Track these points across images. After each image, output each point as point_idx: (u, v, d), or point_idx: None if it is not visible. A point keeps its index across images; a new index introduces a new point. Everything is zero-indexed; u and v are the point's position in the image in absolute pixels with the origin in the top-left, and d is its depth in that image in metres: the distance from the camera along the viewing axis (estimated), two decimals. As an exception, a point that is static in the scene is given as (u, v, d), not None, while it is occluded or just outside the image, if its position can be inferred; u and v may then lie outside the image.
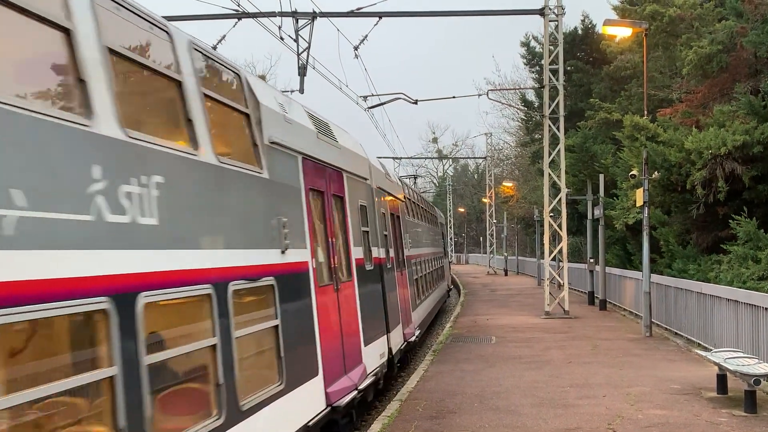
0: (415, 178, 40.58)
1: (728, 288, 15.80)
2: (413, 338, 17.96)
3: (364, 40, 22.29)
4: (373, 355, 12.54)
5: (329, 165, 10.82)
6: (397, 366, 15.90)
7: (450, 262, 49.95)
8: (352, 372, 10.91)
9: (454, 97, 29.54)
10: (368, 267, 13.00)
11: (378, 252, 14.22)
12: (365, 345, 11.91)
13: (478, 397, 12.24)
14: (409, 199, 22.75)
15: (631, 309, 24.45)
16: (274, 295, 7.90)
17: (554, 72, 24.50)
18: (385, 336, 14.01)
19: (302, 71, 20.27)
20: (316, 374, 9.21)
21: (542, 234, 28.32)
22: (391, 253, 15.97)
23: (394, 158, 29.25)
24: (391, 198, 17.21)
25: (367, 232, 13.24)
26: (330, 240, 10.27)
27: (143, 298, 5.26)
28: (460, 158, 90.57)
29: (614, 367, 14.90)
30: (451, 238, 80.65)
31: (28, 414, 4.26)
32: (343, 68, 43.33)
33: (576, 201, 31.00)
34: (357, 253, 12.04)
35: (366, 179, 13.73)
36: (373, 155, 16.21)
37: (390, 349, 14.41)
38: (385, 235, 15.34)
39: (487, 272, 61.40)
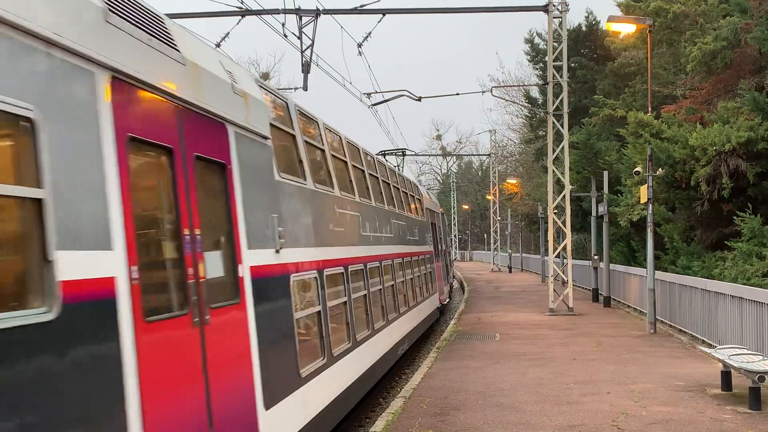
0: (404, 153, 30.38)
1: (733, 285, 15.78)
2: None
3: (367, 37, 22.30)
4: None
5: None
6: None
7: (453, 261, 46.92)
8: None
9: (457, 94, 29.70)
10: None
11: None
12: None
13: (482, 394, 12.25)
14: (313, 145, 11.18)
15: (635, 306, 24.43)
16: None
17: (558, 69, 24.47)
18: None
19: (306, 68, 20.34)
20: None
21: (546, 231, 28.31)
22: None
23: (397, 155, 28.91)
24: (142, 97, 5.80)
25: None
26: None
27: None
28: (464, 155, 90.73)
29: (618, 364, 14.89)
30: (455, 235, 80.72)
31: None
32: (346, 65, 43.52)
33: (580, 198, 30.98)
34: None
35: None
36: None
37: None
38: None
39: (491, 269, 61.45)
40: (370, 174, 15.45)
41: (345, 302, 11.68)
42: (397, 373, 17.52)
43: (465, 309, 27.80)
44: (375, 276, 14.43)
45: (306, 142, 10.62)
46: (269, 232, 8.19)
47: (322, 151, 11.68)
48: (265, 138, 8.38)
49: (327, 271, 10.54)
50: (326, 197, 11.22)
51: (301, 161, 10.14)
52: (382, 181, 17.01)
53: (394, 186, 18.78)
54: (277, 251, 8.37)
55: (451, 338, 19.47)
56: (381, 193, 16.42)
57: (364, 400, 12.67)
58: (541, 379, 13.48)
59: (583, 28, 39.54)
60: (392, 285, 16.35)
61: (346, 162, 13.29)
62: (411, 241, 20.42)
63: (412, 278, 19.58)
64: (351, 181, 13.32)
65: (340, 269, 11.50)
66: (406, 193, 21.29)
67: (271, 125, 8.77)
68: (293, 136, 10.06)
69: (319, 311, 10.02)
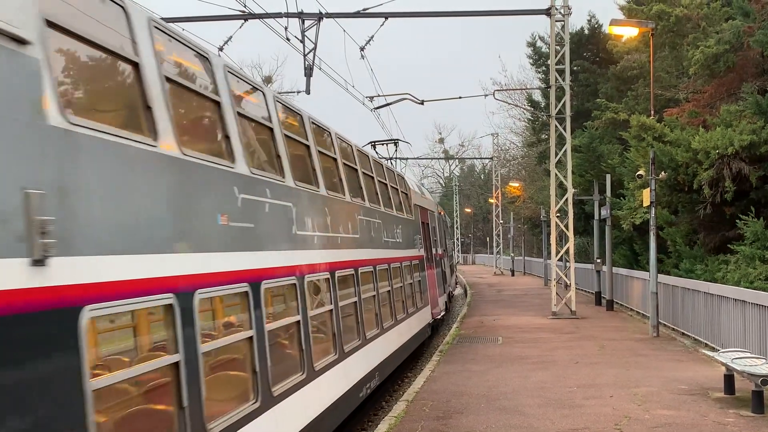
0: (396, 143, 26.47)
1: (736, 288, 15.76)
2: None
3: (370, 40, 22.35)
4: None
5: None
6: None
7: (455, 266, 45.97)
8: None
9: (460, 98, 29.44)
10: None
11: None
12: None
13: (485, 398, 12.24)
14: (191, 89, 7.06)
15: (638, 309, 24.41)
16: None
17: (561, 72, 24.48)
18: None
19: (308, 72, 20.39)
20: None
21: (549, 234, 28.31)
22: None
23: (400, 158, 28.75)
24: None
25: None
26: None
27: None
28: (467, 159, 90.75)
29: (621, 367, 14.88)
30: (457, 238, 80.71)
31: None
32: (349, 69, 43.65)
33: (583, 201, 30.99)
34: None
35: None
36: None
37: None
38: None
39: (494, 273, 61.49)
40: (321, 152, 11.26)
41: (251, 338, 7.42)
42: (400, 377, 17.52)
43: (468, 312, 27.79)
44: (321, 291, 10.54)
45: (168, 78, 6.27)
46: (11, 225, 4.12)
47: (216, 103, 7.35)
48: (21, 42, 4.33)
49: (203, 293, 6.37)
50: (214, 175, 7.00)
51: (148, 107, 5.85)
52: (344, 164, 12.80)
53: (364, 173, 14.45)
54: (39, 261, 4.29)
55: (454, 342, 19.47)
56: (341, 179, 12.35)
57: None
58: (544, 382, 13.47)
59: (586, 32, 39.63)
60: (355, 302, 12.31)
61: (271, 129, 9.07)
62: (390, 243, 16.30)
63: (389, 291, 15.54)
64: (279, 156, 9.14)
65: (243, 287, 7.34)
66: (385, 184, 16.84)
67: (50, 23, 4.66)
68: (135, 63, 5.81)
69: (177, 362, 5.81)
